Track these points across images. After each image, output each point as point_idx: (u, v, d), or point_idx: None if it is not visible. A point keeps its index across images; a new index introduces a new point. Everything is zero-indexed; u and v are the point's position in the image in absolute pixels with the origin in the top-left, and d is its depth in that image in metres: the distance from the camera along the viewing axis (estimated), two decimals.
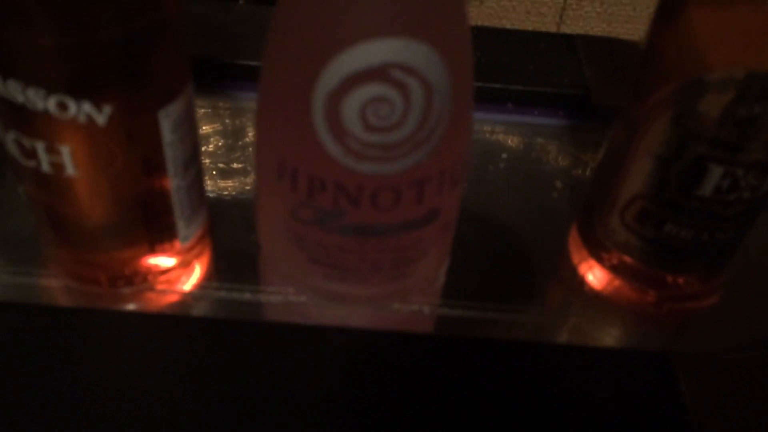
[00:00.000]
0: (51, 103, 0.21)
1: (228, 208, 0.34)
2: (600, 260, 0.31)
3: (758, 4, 0.22)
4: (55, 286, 0.29)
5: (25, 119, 0.22)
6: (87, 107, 0.22)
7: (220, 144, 0.38)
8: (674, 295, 0.30)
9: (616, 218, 0.29)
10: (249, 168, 0.37)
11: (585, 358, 0.27)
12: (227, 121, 0.40)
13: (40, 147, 0.23)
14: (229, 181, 0.36)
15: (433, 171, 0.24)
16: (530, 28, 0.48)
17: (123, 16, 0.21)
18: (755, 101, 0.23)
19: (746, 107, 0.23)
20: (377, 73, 0.21)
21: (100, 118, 0.22)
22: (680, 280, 0.30)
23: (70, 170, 0.23)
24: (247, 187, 0.36)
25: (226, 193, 0.35)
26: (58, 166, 0.23)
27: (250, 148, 0.38)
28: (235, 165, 0.37)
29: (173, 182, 0.26)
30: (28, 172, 0.24)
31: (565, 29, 0.52)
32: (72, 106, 0.22)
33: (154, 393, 0.24)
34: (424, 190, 0.24)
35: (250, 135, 0.39)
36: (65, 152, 0.23)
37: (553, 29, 0.53)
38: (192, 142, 0.26)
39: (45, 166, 0.23)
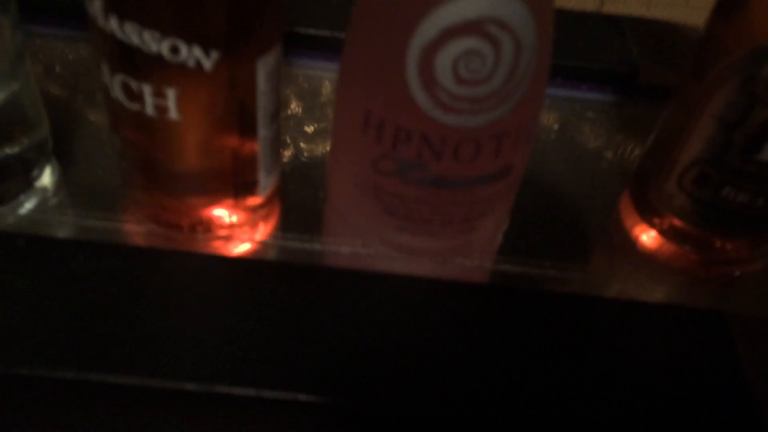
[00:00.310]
0: (164, 46, 0.23)
1: (297, 168, 0.36)
2: (651, 225, 0.32)
3: None
4: (137, 231, 0.30)
5: (136, 62, 0.24)
6: (197, 52, 0.23)
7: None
8: (722, 258, 0.31)
9: (673, 182, 0.30)
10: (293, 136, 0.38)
11: (640, 314, 0.28)
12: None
13: (147, 90, 0.24)
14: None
15: (513, 126, 0.26)
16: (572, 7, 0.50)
17: None
18: None
19: None
20: (472, 27, 0.23)
21: (207, 63, 0.24)
22: (729, 246, 0.31)
23: (173, 114, 0.25)
24: (305, 154, 0.37)
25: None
26: (163, 110, 0.25)
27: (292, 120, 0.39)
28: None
29: (261, 132, 0.27)
30: (130, 116, 0.25)
31: (606, 10, 0.54)
32: (183, 50, 0.23)
33: (228, 333, 0.25)
34: (502, 144, 0.26)
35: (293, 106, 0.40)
36: (171, 96, 0.24)
37: (594, 9, 0.54)
38: (278, 95, 0.28)
39: (149, 110, 0.25)
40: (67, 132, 0.34)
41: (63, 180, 0.32)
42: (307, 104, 0.40)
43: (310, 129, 0.39)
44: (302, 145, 0.38)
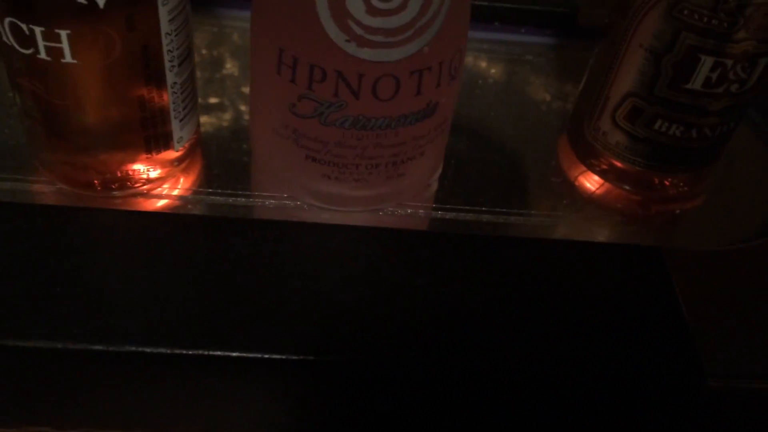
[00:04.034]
0: None
1: (218, 123, 0.34)
2: (589, 166, 0.31)
3: None
4: (47, 191, 0.29)
5: (24, 3, 0.22)
6: None
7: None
8: (661, 196, 0.31)
9: (607, 119, 0.29)
10: (227, 102, 0.36)
11: (578, 253, 0.27)
12: (203, 52, 0.40)
13: (38, 32, 0.22)
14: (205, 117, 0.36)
15: (433, 61, 0.24)
16: None
17: None
18: None
19: None
20: None
21: (101, 1, 0.22)
22: (667, 182, 0.30)
23: (68, 56, 0.23)
24: (224, 123, 0.35)
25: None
26: (57, 53, 0.23)
27: (228, 82, 0.38)
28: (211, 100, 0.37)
29: (169, 77, 0.26)
30: (25, 61, 0.24)
31: None
32: None
33: (150, 289, 0.24)
34: (423, 80, 0.25)
35: (228, 66, 0.39)
36: (64, 37, 0.22)
37: None
38: (187, 37, 0.26)
39: (42, 53, 0.23)
40: None
41: None
42: (244, 63, 0.38)
43: (248, 90, 0.37)
44: (242, 107, 0.36)
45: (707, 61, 0.25)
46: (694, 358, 0.23)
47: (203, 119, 0.34)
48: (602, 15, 0.40)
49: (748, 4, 0.24)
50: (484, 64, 0.38)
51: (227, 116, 0.35)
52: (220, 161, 0.31)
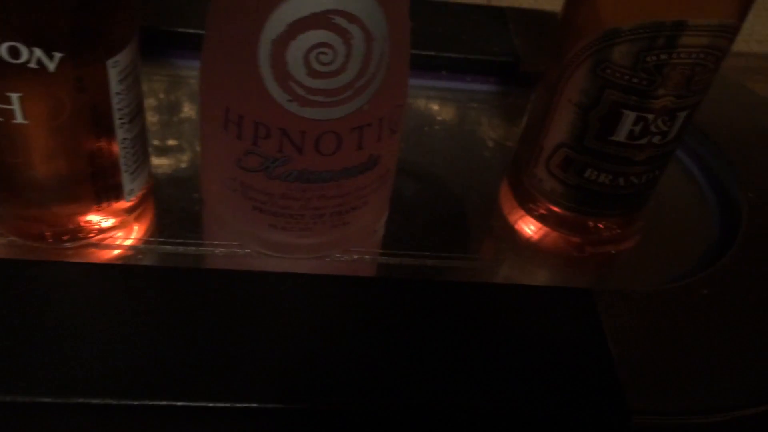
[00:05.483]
0: (3, 49, 0.22)
1: (170, 172, 0.35)
2: (528, 210, 0.33)
3: None
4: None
5: None
6: (38, 53, 0.22)
7: (155, 120, 0.39)
8: (596, 239, 0.32)
9: (542, 168, 0.31)
10: (184, 145, 0.37)
11: (515, 296, 0.29)
12: (161, 96, 0.41)
13: None
14: (164, 159, 0.37)
15: (373, 117, 0.26)
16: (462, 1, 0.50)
17: None
18: (662, 50, 0.25)
19: (654, 55, 0.26)
20: (320, 20, 0.23)
21: (51, 65, 0.23)
22: (601, 225, 0.32)
23: (19, 118, 0.24)
24: (183, 165, 0.36)
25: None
26: (8, 114, 0.24)
27: (186, 124, 0.39)
28: (170, 142, 0.38)
29: (119, 134, 0.27)
30: None
31: (495, 2, 0.55)
32: (24, 52, 0.22)
33: (102, 341, 0.25)
34: (364, 135, 0.26)
35: (186, 110, 0.40)
36: (15, 99, 0.23)
37: (483, 1, 0.55)
38: (137, 95, 0.27)
39: None
40: None
41: None
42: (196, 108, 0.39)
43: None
44: (197, 150, 0.37)
45: (630, 116, 0.27)
46: (618, 395, 0.25)
47: (159, 162, 0.35)
48: (543, 62, 0.42)
49: (665, 64, 0.26)
50: (431, 111, 0.40)
51: (182, 162, 0.36)
52: (173, 209, 0.32)
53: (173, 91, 0.41)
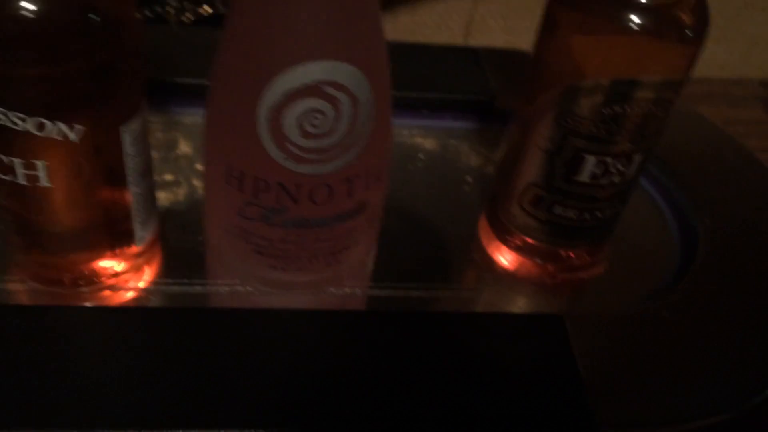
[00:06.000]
0: (30, 124, 0.25)
1: (176, 216, 0.38)
2: (505, 242, 0.36)
3: (617, 31, 0.28)
4: (19, 290, 0.32)
5: (4, 139, 0.25)
6: (61, 126, 0.25)
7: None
8: (568, 266, 0.35)
9: (515, 205, 0.34)
10: (181, 179, 0.40)
11: (491, 324, 0.31)
12: (159, 134, 0.44)
13: (17, 163, 0.26)
14: (162, 193, 0.40)
15: (361, 170, 0.29)
16: (440, 41, 0.54)
17: (90, 50, 0.24)
18: (617, 103, 0.29)
19: (611, 108, 0.29)
20: (312, 90, 0.26)
21: (72, 135, 0.26)
22: (571, 254, 0.35)
23: (44, 182, 0.26)
24: (180, 198, 0.39)
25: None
26: (33, 179, 0.26)
27: (182, 161, 0.41)
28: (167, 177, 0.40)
29: (132, 189, 0.29)
30: (4, 185, 0.27)
31: (472, 41, 0.58)
32: (48, 126, 0.25)
33: (121, 380, 0.27)
34: (353, 186, 0.29)
35: (182, 147, 0.43)
36: (41, 166, 0.26)
37: (460, 41, 0.58)
38: (147, 154, 0.30)
39: (21, 179, 0.26)
40: None
41: None
42: (196, 144, 0.42)
43: (200, 167, 0.41)
44: (195, 182, 0.40)
45: (591, 160, 0.30)
46: (587, 410, 0.27)
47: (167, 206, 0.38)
48: (516, 98, 0.45)
49: (621, 115, 0.29)
50: (413, 149, 0.43)
51: (187, 207, 0.39)
52: (179, 252, 0.35)
53: (176, 139, 0.43)
